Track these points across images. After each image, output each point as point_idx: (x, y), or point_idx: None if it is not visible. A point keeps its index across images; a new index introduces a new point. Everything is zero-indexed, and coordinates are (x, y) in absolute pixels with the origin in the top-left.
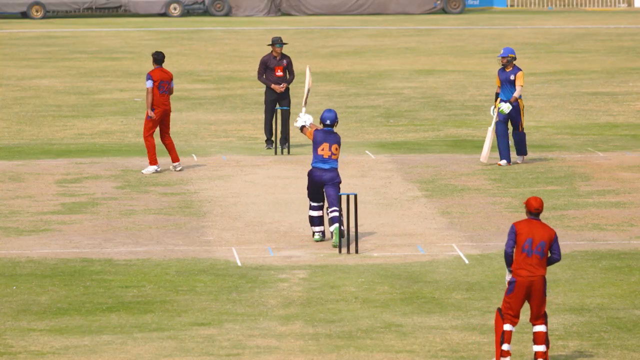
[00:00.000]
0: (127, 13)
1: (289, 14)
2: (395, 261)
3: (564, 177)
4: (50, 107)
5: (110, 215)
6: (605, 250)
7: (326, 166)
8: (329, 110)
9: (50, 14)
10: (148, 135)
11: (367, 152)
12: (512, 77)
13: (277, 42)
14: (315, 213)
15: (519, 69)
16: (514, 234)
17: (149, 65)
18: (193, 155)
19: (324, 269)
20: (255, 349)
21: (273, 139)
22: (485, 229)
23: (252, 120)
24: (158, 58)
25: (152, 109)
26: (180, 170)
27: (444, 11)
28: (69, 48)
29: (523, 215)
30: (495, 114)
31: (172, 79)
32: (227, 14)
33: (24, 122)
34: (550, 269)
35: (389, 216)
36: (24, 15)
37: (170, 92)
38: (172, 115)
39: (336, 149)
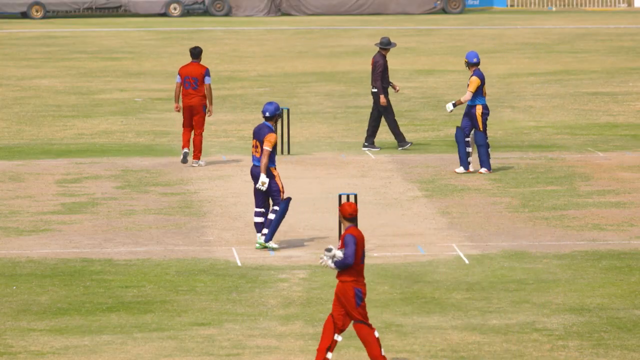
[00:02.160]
0: (127, 13)
1: (289, 14)
2: (395, 261)
3: (564, 177)
4: (50, 107)
5: (110, 215)
6: (605, 250)
7: (256, 163)
8: (269, 103)
9: (50, 14)
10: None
11: (367, 152)
12: (468, 82)
13: (391, 44)
14: (256, 219)
15: (476, 74)
16: (355, 244)
17: (149, 65)
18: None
19: (324, 268)
20: (255, 349)
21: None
22: (485, 229)
23: (252, 120)
24: (192, 52)
25: (177, 103)
26: (196, 166)
27: (444, 11)
28: (69, 48)
29: (523, 215)
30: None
31: (203, 75)
32: (227, 14)
33: (24, 122)
34: (550, 268)
35: (389, 216)
36: (24, 15)
37: (197, 87)
38: (172, 115)
39: (257, 145)
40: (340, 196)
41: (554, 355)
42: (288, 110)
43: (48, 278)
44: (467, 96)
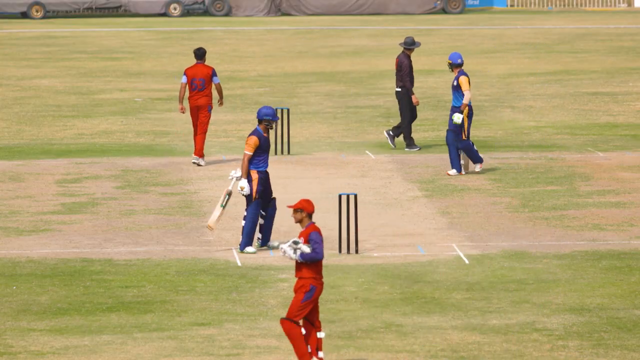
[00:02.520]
0: (127, 13)
1: (289, 14)
2: (395, 261)
3: (564, 177)
4: (50, 107)
5: (110, 215)
6: (605, 250)
7: None
8: (263, 107)
9: (50, 14)
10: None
11: (367, 152)
12: (454, 83)
13: (416, 44)
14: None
15: (463, 74)
16: (322, 241)
17: (149, 65)
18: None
19: (324, 269)
20: (255, 349)
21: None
22: (485, 229)
23: (252, 120)
24: (197, 53)
25: (181, 104)
26: (196, 164)
27: (444, 11)
28: (69, 48)
29: (523, 215)
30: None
31: (210, 75)
32: (227, 14)
33: (24, 122)
34: (550, 268)
35: (389, 216)
36: (24, 15)
37: (204, 87)
38: (172, 115)
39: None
40: (340, 196)
41: (554, 355)
42: (288, 110)
43: (48, 278)
44: (467, 96)
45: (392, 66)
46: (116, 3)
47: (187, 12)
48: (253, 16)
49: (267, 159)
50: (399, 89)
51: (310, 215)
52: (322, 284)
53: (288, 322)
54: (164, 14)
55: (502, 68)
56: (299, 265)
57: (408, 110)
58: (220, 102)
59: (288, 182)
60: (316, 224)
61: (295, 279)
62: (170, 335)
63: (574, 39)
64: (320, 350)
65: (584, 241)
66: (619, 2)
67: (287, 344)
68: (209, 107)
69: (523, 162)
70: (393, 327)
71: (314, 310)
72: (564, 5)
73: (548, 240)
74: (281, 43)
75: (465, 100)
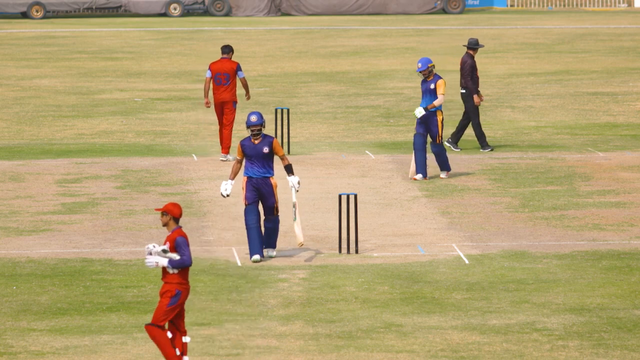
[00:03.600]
0: (127, 13)
1: (289, 14)
2: (395, 261)
3: (564, 177)
4: (50, 107)
5: (110, 215)
6: (605, 250)
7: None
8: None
9: (50, 14)
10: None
11: (367, 152)
12: (432, 87)
13: (479, 45)
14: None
15: (440, 77)
16: (187, 245)
17: (149, 65)
18: (193, 155)
19: (324, 269)
20: (255, 349)
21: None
22: (485, 229)
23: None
24: (223, 49)
25: (206, 98)
26: (224, 160)
27: (444, 11)
28: (69, 48)
29: (523, 215)
30: (417, 115)
31: (234, 70)
32: (227, 14)
33: (24, 122)
34: (550, 269)
35: (389, 216)
36: (24, 15)
37: (229, 82)
38: (172, 115)
39: None
40: (340, 196)
41: (554, 355)
42: (288, 110)
43: (48, 278)
44: (440, 100)
45: (392, 66)
46: (116, 3)
47: (187, 12)
48: (253, 16)
49: (260, 165)
50: (464, 91)
51: (176, 220)
52: (188, 288)
53: (153, 328)
54: (164, 14)
55: (502, 68)
56: (166, 270)
57: (475, 111)
58: (247, 96)
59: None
60: (182, 229)
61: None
62: None
63: (574, 39)
64: (185, 354)
65: (584, 241)
66: (619, 2)
67: (287, 344)
68: (233, 103)
69: (523, 162)
70: (393, 327)
71: (180, 314)
72: (564, 5)
73: (548, 240)
74: (281, 43)
75: (436, 102)
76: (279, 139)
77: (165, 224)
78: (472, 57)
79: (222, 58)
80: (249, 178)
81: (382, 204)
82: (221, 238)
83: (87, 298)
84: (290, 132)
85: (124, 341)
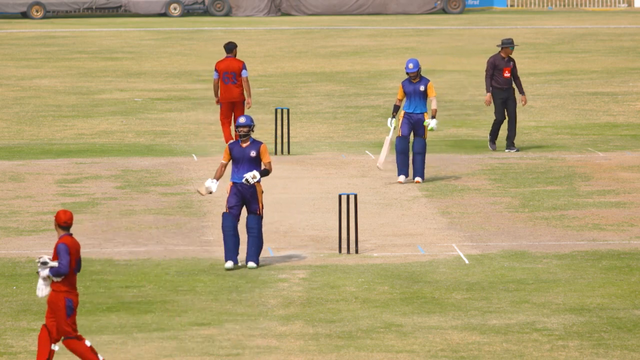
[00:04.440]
0: (127, 13)
1: (289, 14)
2: (395, 261)
3: (564, 177)
4: (50, 107)
5: (110, 215)
6: (605, 250)
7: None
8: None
9: (50, 14)
10: (222, 120)
11: (367, 152)
12: (421, 88)
13: (509, 44)
14: None
15: (427, 79)
16: (68, 253)
17: (149, 65)
18: (193, 155)
19: (324, 269)
20: (255, 349)
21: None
22: (485, 229)
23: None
24: (227, 47)
25: (217, 97)
26: None
27: (444, 11)
28: (69, 48)
29: (523, 215)
30: (393, 126)
31: (240, 68)
32: (227, 14)
33: (24, 122)
34: (550, 269)
35: (389, 216)
36: (24, 15)
37: (237, 80)
38: (172, 115)
39: None
40: (340, 196)
41: (554, 355)
42: (288, 110)
43: None
44: (435, 102)
45: (392, 66)
46: (116, 3)
47: (187, 12)
48: (253, 16)
49: (246, 169)
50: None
51: (62, 227)
52: (77, 295)
53: (70, 341)
54: (164, 14)
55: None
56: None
57: (496, 110)
58: (248, 102)
59: (288, 182)
60: (72, 235)
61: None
62: (171, 335)
63: (574, 39)
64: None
65: (584, 241)
66: (619, 2)
67: (287, 344)
68: (244, 102)
69: (523, 162)
70: (393, 327)
71: (54, 322)
72: (564, 5)
73: (548, 240)
74: (281, 43)
75: (434, 106)
76: (279, 139)
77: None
78: (499, 56)
79: (227, 57)
80: (234, 184)
81: (382, 204)
82: (221, 238)
83: (87, 298)
84: (290, 132)
85: (124, 341)
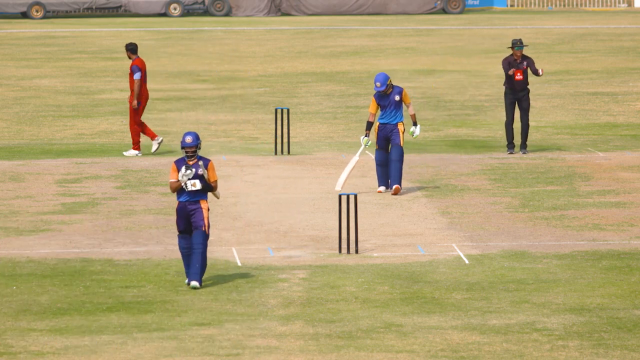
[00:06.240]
0: (127, 13)
1: (289, 14)
2: (395, 261)
3: (564, 177)
4: (50, 107)
5: (110, 215)
6: (605, 250)
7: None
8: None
9: (50, 14)
10: (140, 121)
11: (367, 152)
12: (397, 98)
13: (516, 45)
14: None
15: (400, 88)
16: None
17: (149, 65)
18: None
19: (324, 269)
20: (255, 349)
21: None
22: (485, 229)
23: (252, 120)
24: (134, 48)
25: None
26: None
27: (444, 11)
28: (69, 48)
29: (523, 215)
30: (364, 144)
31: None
32: (227, 14)
33: (24, 122)
34: (550, 269)
35: (389, 216)
36: (24, 15)
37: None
38: (172, 115)
39: None
40: (340, 196)
41: (554, 355)
42: (288, 110)
43: (48, 278)
44: (412, 108)
45: (392, 66)
46: (116, 3)
47: (187, 12)
48: (253, 16)
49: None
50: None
51: None
52: None
53: None
54: (164, 14)
55: (502, 68)
56: None
57: (506, 110)
58: (131, 100)
59: (288, 182)
60: None
61: None
62: (171, 335)
63: (574, 39)
64: None
65: (584, 241)
66: (619, 2)
67: (287, 344)
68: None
69: (523, 162)
70: (393, 327)
71: None
72: (564, 5)
73: (548, 240)
74: (281, 43)
75: (413, 111)
76: (279, 139)
77: None
78: (513, 58)
79: (138, 57)
80: (180, 203)
81: (382, 204)
82: (221, 238)
83: (87, 298)
84: (290, 132)
85: (124, 341)
